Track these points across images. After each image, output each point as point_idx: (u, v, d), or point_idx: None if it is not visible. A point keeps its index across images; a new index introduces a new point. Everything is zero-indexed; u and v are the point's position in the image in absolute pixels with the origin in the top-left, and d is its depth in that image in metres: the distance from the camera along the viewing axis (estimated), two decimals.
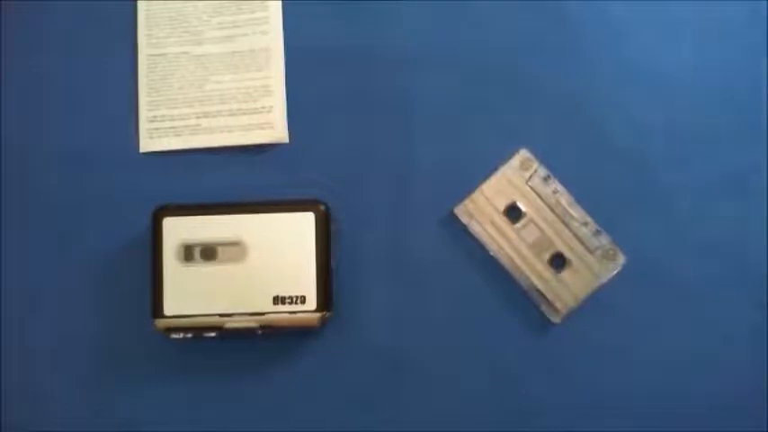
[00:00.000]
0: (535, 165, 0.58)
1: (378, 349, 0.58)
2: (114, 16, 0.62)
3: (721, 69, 0.60)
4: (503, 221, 0.58)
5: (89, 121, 0.61)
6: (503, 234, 0.58)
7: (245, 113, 0.61)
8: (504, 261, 0.58)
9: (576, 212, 0.58)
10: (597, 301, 0.58)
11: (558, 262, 0.58)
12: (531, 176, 0.58)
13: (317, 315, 0.55)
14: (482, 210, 0.58)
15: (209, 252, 0.56)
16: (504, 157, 0.59)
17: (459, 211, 0.58)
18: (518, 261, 0.58)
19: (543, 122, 0.60)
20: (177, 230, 0.56)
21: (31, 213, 0.60)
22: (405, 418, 0.57)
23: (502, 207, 0.58)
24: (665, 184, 0.59)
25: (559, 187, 0.58)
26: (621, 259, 0.57)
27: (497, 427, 0.57)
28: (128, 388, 0.58)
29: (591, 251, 0.57)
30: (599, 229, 0.58)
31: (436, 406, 0.58)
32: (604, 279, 0.57)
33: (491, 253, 0.58)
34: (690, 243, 0.58)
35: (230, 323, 0.55)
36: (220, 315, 0.55)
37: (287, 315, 0.55)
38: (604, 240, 0.57)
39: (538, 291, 0.58)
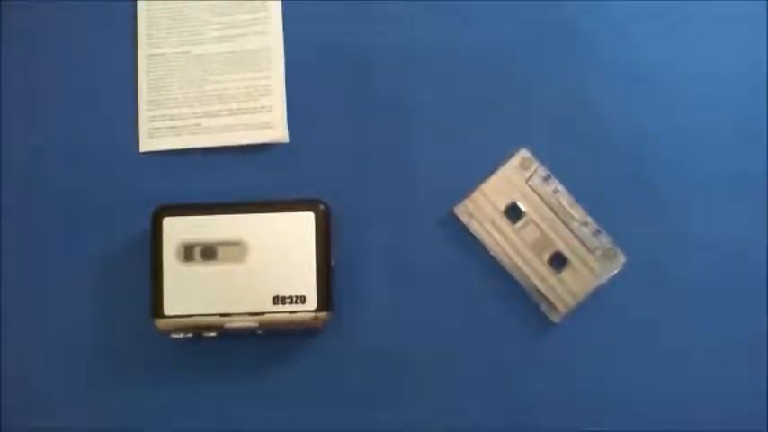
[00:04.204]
0: (535, 165, 0.58)
1: (378, 349, 0.58)
2: (114, 16, 0.62)
3: (721, 69, 0.60)
4: (503, 221, 0.58)
5: (89, 121, 0.61)
6: (503, 234, 0.58)
7: (245, 113, 0.61)
8: (504, 261, 0.58)
9: (576, 212, 0.58)
10: (597, 301, 0.58)
11: (558, 262, 0.58)
12: (531, 176, 0.58)
13: (317, 315, 0.55)
14: (482, 210, 0.58)
15: (209, 252, 0.56)
16: (504, 157, 0.59)
17: (459, 211, 0.58)
18: (518, 261, 0.58)
19: (543, 122, 0.60)
20: (177, 230, 0.56)
21: (31, 213, 0.60)
22: (405, 418, 0.57)
23: (502, 207, 0.58)
24: (665, 184, 0.59)
25: (559, 187, 0.58)
26: (621, 259, 0.57)
27: (497, 427, 0.57)
28: (127, 388, 0.58)
29: (591, 251, 0.57)
30: (599, 229, 0.58)
31: (436, 406, 0.58)
32: (604, 279, 0.57)
33: (491, 253, 0.58)
34: (690, 243, 0.58)
35: (230, 323, 0.55)
36: (220, 315, 0.55)
37: (287, 315, 0.55)
38: (604, 240, 0.57)
39: (538, 291, 0.58)
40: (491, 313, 0.58)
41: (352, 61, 0.61)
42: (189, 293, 0.56)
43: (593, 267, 0.57)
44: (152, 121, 0.61)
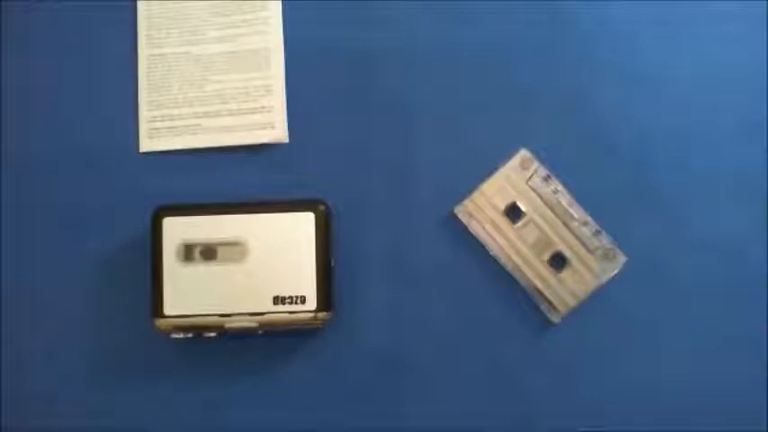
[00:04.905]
0: (535, 165, 0.58)
1: (377, 349, 0.58)
2: (114, 16, 0.62)
3: (721, 69, 0.60)
4: (503, 221, 0.58)
5: (89, 122, 0.61)
6: (503, 234, 0.58)
7: (245, 113, 0.61)
8: (504, 261, 0.58)
9: (576, 212, 0.58)
10: (597, 301, 0.58)
11: (558, 262, 0.58)
12: (531, 176, 0.58)
13: (317, 315, 0.55)
14: (482, 210, 0.58)
15: (209, 252, 0.56)
16: (504, 157, 0.59)
17: (459, 211, 0.58)
18: (518, 261, 0.58)
19: (543, 122, 0.60)
20: (177, 230, 0.56)
21: (32, 213, 0.60)
22: (404, 418, 0.57)
23: (502, 207, 0.58)
24: (665, 184, 0.59)
25: (559, 187, 0.58)
26: (621, 259, 0.57)
27: (497, 427, 0.57)
28: (127, 388, 0.58)
29: (591, 251, 0.57)
30: (599, 229, 0.58)
31: (436, 406, 0.58)
32: (604, 279, 0.57)
33: (491, 253, 0.58)
34: (690, 243, 0.58)
35: (230, 323, 0.55)
36: (220, 315, 0.55)
37: (287, 315, 0.55)
38: (604, 240, 0.57)
39: (538, 291, 0.58)
40: (491, 313, 0.58)
41: (352, 61, 0.61)
42: (189, 293, 0.56)
43: (593, 267, 0.57)
44: (152, 121, 0.61)
